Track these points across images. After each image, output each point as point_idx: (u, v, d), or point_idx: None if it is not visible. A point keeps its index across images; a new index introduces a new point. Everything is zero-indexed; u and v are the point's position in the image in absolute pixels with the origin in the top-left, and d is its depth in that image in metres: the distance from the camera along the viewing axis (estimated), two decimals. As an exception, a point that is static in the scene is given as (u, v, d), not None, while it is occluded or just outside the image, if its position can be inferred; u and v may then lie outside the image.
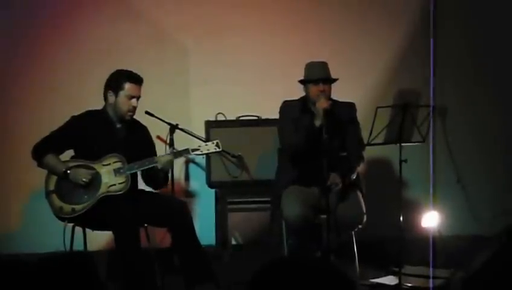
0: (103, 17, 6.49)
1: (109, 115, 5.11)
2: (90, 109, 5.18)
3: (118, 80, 5.06)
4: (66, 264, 1.60)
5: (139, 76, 5.09)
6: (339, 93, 5.37)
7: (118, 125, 5.14)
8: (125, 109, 5.05)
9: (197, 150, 5.19)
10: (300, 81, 5.34)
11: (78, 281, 1.56)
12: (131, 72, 5.10)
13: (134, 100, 5.06)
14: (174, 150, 5.15)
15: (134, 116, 5.17)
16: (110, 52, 6.34)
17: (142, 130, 5.27)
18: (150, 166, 5.02)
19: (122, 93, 5.04)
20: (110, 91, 5.07)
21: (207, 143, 5.28)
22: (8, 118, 6.36)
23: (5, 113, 6.36)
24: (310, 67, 5.32)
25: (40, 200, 5.14)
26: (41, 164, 5.05)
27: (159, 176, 5.13)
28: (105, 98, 5.11)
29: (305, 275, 1.59)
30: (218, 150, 5.23)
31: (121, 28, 6.46)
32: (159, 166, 5.02)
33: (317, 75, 5.25)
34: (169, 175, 5.37)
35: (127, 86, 5.04)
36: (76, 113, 5.14)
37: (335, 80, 5.30)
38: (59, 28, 6.41)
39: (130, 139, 5.14)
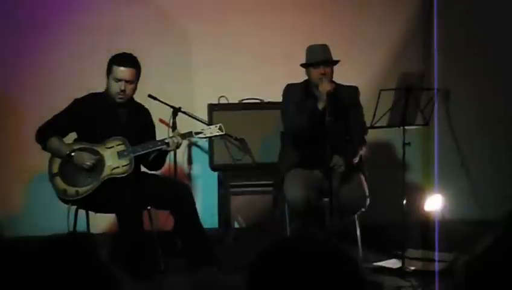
0: (108, 0, 6.46)
1: (110, 97, 5.10)
2: (93, 91, 5.17)
3: (109, 63, 5.07)
4: (65, 244, 1.58)
5: (127, 59, 5.06)
6: (342, 76, 5.36)
7: (120, 108, 5.13)
8: (113, 92, 5.05)
9: (200, 133, 5.19)
10: (302, 65, 5.33)
11: (78, 261, 1.54)
12: (122, 54, 5.08)
13: (121, 83, 5.03)
14: (178, 133, 5.15)
15: (137, 99, 5.17)
16: (113, 35, 6.31)
17: (144, 112, 5.27)
18: (154, 149, 5.03)
19: (110, 76, 5.05)
20: (106, 74, 5.08)
21: (210, 126, 5.28)
22: (10, 100, 6.34)
23: (8, 95, 6.34)
24: (311, 50, 5.31)
25: (43, 182, 5.15)
26: (45, 147, 5.05)
27: (156, 159, 5.13)
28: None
29: (307, 257, 1.57)
30: (221, 133, 5.24)
31: (124, 11, 6.43)
32: (169, 148, 5.02)
33: (318, 58, 5.24)
34: (172, 158, 5.37)
35: (114, 68, 5.04)
36: (78, 96, 5.13)
37: (336, 62, 5.29)
38: (61, 10, 6.38)
39: (132, 122, 5.14)
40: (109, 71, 5.05)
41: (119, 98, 5.07)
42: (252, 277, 1.58)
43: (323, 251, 1.59)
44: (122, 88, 5.02)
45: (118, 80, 5.02)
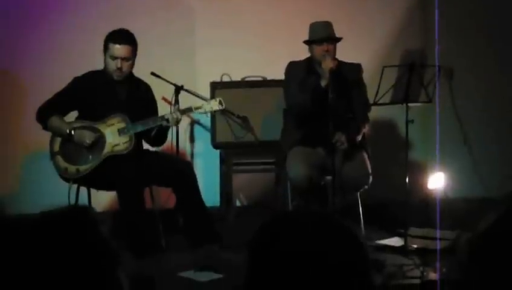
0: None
1: (110, 74, 5.08)
2: (94, 69, 5.15)
3: (105, 41, 5.04)
4: (65, 218, 1.56)
5: (123, 36, 5.02)
6: (345, 54, 5.33)
7: (120, 85, 5.11)
8: (110, 69, 5.03)
9: (200, 108, 5.17)
10: (305, 42, 5.29)
11: (78, 235, 1.53)
12: (117, 31, 5.05)
13: (117, 61, 4.99)
14: (178, 109, 5.13)
15: (140, 76, 5.15)
16: (115, 12, 6.27)
17: (145, 88, 5.25)
18: (154, 125, 5.01)
19: (107, 54, 5.03)
20: (103, 51, 5.05)
21: (210, 101, 5.26)
22: (11, 78, 6.31)
23: (8, 73, 6.31)
24: (314, 27, 5.27)
25: (44, 160, 5.14)
26: (45, 127, 5.05)
27: (157, 134, 5.11)
28: None
29: (309, 230, 1.55)
30: (221, 107, 5.21)
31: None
32: (169, 124, 5.00)
33: (321, 35, 5.21)
34: (174, 136, 5.36)
35: (110, 46, 5.01)
36: (79, 74, 5.11)
37: (339, 39, 5.25)
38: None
39: (133, 98, 5.13)
40: (105, 48, 5.02)
41: (117, 76, 5.04)
42: (253, 250, 1.57)
43: (326, 225, 1.57)
44: (119, 66, 4.99)
45: (114, 58, 4.99)
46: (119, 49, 4.99)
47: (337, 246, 1.53)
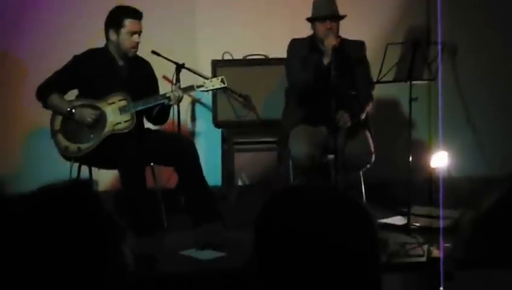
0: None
1: (111, 53, 5.05)
2: (94, 47, 5.11)
3: (118, 17, 4.99)
4: (66, 193, 1.54)
5: (137, 10, 5.02)
6: (348, 31, 5.29)
7: (121, 63, 5.09)
8: (128, 45, 5.00)
9: (202, 86, 5.14)
10: (308, 19, 5.25)
11: (81, 211, 1.50)
12: (129, 7, 5.03)
13: (136, 36, 4.99)
14: (179, 87, 5.09)
15: (140, 54, 5.11)
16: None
17: (145, 65, 5.22)
18: (155, 103, 4.99)
19: (123, 31, 4.98)
20: (111, 29, 5.00)
21: (212, 79, 5.23)
22: (11, 56, 6.28)
23: (9, 52, 6.28)
24: (317, 4, 5.23)
25: (45, 138, 5.12)
26: (46, 105, 5.02)
27: (160, 113, 5.08)
28: (107, 37, 5.05)
29: (316, 203, 1.52)
30: (223, 85, 5.19)
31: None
32: (171, 102, 4.97)
33: (324, 13, 5.17)
34: (176, 115, 5.32)
35: (128, 22, 4.97)
36: (79, 53, 5.07)
37: (342, 17, 5.21)
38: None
39: (133, 76, 5.09)
40: (120, 25, 4.97)
41: (133, 51, 5.04)
42: (259, 225, 1.54)
43: (333, 199, 1.54)
44: (138, 40, 5.01)
45: (133, 33, 4.97)
46: (137, 24, 4.99)
47: (345, 221, 1.51)
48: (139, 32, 5.01)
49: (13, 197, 1.52)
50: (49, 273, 1.41)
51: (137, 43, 5.01)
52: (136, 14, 4.99)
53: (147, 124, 5.28)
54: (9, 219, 1.46)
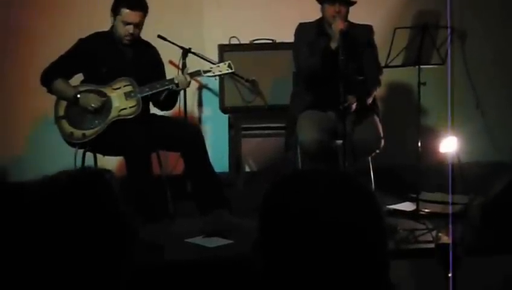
0: None
1: (116, 36, 4.99)
2: (100, 30, 5.06)
3: (117, 3, 4.94)
4: (78, 182, 1.52)
5: (138, 2, 4.91)
6: (357, 15, 5.23)
7: (127, 47, 5.02)
8: (121, 34, 4.94)
9: (209, 71, 5.10)
10: (318, 1, 5.19)
11: (93, 202, 1.49)
12: None
13: (130, 27, 4.91)
14: (187, 72, 5.05)
15: (146, 38, 5.06)
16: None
17: (152, 50, 5.17)
18: (161, 89, 4.94)
19: (118, 18, 4.93)
20: (111, 12, 4.95)
21: (219, 64, 5.18)
22: (14, 43, 6.24)
23: (12, 38, 6.24)
24: (328, -14, 5.16)
25: (49, 125, 5.08)
26: (50, 90, 4.98)
27: (168, 98, 5.04)
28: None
29: (323, 189, 1.49)
30: (230, 71, 5.14)
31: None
32: (180, 86, 4.92)
33: (335, -5, 5.10)
34: (182, 100, 5.29)
35: (124, 11, 4.90)
36: (84, 36, 5.02)
37: (353, 3, 5.14)
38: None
39: (139, 61, 5.05)
40: (117, 12, 4.92)
41: (127, 40, 4.96)
42: (265, 210, 1.51)
43: (340, 184, 1.51)
44: (131, 31, 4.92)
45: (127, 24, 4.90)
46: (132, 15, 4.90)
47: (352, 206, 1.49)
48: (136, 24, 4.91)
49: (30, 182, 1.52)
50: (60, 261, 1.40)
51: (131, 34, 4.93)
52: (135, 5, 4.89)
53: (153, 110, 5.23)
54: (27, 205, 1.45)
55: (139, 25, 4.94)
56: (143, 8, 4.93)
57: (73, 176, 1.55)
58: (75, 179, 1.54)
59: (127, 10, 4.90)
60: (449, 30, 5.23)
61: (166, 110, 5.25)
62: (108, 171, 1.61)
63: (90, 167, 1.88)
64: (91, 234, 1.45)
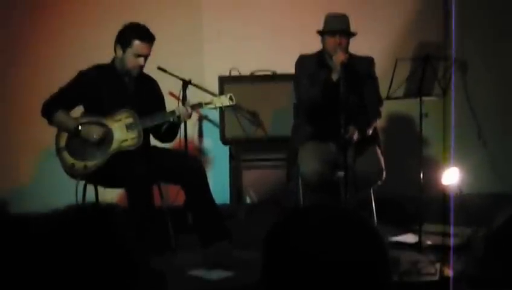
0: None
1: (117, 68, 4.99)
2: (102, 62, 5.06)
3: (128, 35, 4.92)
4: (86, 218, 1.52)
5: (150, 34, 4.92)
6: (358, 47, 5.25)
7: (127, 79, 5.03)
8: (131, 66, 4.93)
9: (210, 103, 5.09)
10: (319, 32, 5.20)
11: (101, 239, 1.48)
12: (143, 28, 4.92)
13: (141, 59, 4.91)
14: (188, 104, 5.05)
15: (146, 71, 5.06)
16: (123, 5, 6.22)
17: (152, 83, 5.17)
18: (162, 121, 4.94)
19: (129, 51, 4.91)
20: (119, 45, 4.94)
21: (220, 96, 5.19)
22: (17, 71, 6.26)
23: (15, 66, 6.26)
24: (329, 18, 5.19)
25: (51, 157, 5.07)
26: (51, 122, 4.96)
27: (168, 130, 5.03)
28: (115, 51, 4.99)
29: (327, 225, 1.48)
30: (232, 103, 5.14)
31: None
32: (181, 118, 4.92)
33: (335, 27, 5.13)
34: (183, 132, 5.27)
35: (136, 43, 4.89)
36: (84, 68, 5.02)
37: (353, 34, 5.16)
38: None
39: (140, 93, 5.04)
40: (127, 45, 4.90)
41: (136, 72, 4.97)
42: (268, 245, 1.50)
43: (344, 220, 1.51)
44: (142, 63, 4.93)
45: (139, 56, 4.90)
46: (144, 47, 4.90)
47: (356, 242, 1.48)
48: (146, 56, 4.93)
49: (35, 215, 1.52)
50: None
51: (141, 66, 4.94)
52: (147, 37, 4.89)
53: (154, 142, 5.22)
54: (35, 238, 1.45)
55: (147, 57, 4.94)
56: (153, 39, 4.93)
57: (81, 211, 1.54)
58: (83, 214, 1.53)
59: (139, 42, 4.89)
60: (453, 61, 5.25)
61: (167, 142, 5.23)
62: (115, 206, 1.60)
63: (97, 202, 1.88)
64: (98, 269, 1.45)
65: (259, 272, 1.52)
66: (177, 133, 5.15)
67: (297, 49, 5.47)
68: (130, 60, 4.92)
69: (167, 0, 6.39)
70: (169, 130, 5.05)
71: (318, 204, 2.06)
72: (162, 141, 5.20)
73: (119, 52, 4.94)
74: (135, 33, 4.91)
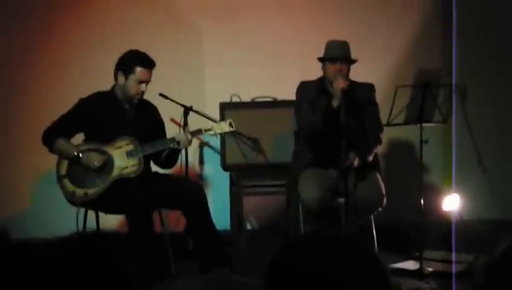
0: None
1: (118, 96, 5.02)
2: (102, 89, 5.08)
3: (130, 62, 4.95)
4: (84, 246, 1.52)
5: (151, 60, 4.96)
6: (358, 73, 5.26)
7: (127, 106, 5.05)
8: (133, 92, 4.96)
9: (210, 130, 5.10)
10: (319, 59, 5.22)
11: (97, 265, 1.48)
12: (144, 55, 4.96)
13: (143, 85, 4.95)
14: (188, 131, 5.05)
15: (146, 97, 5.08)
16: (124, 32, 6.25)
17: (152, 110, 5.19)
18: (163, 147, 4.94)
19: (132, 77, 4.93)
20: (120, 72, 4.97)
21: (220, 123, 5.19)
22: (18, 98, 6.28)
23: (16, 94, 6.28)
24: (330, 45, 5.20)
25: (51, 183, 5.06)
26: (52, 149, 4.97)
27: (169, 156, 5.03)
28: (116, 78, 5.01)
29: (329, 254, 1.48)
30: (231, 129, 5.15)
31: (136, 8, 6.36)
32: (181, 145, 4.92)
33: (336, 54, 5.14)
34: (184, 158, 5.28)
35: (138, 70, 4.92)
36: (85, 95, 5.04)
37: (354, 61, 5.17)
38: (74, 7, 6.31)
39: (140, 120, 5.05)
40: (130, 71, 4.93)
41: (137, 98, 4.99)
42: (271, 273, 1.50)
43: (347, 249, 1.51)
44: (144, 90, 4.96)
45: (141, 82, 4.93)
46: (147, 73, 4.95)
47: (358, 270, 1.48)
48: (148, 82, 4.96)
49: (37, 241, 1.52)
50: None
51: (143, 92, 4.97)
52: (149, 64, 4.94)
53: (154, 168, 5.22)
54: (38, 265, 1.45)
55: (148, 83, 4.97)
56: (154, 65, 4.98)
57: (84, 238, 1.55)
58: (84, 242, 1.54)
59: (142, 69, 4.92)
60: (453, 88, 5.26)
61: (168, 168, 5.24)
62: (117, 233, 1.61)
63: (98, 229, 1.88)
64: None
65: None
66: (178, 159, 5.16)
67: (297, 75, 5.49)
68: (132, 87, 4.94)
69: (168, 27, 6.42)
70: (170, 156, 5.05)
71: (319, 232, 2.06)
72: (163, 167, 5.21)
73: (121, 79, 4.96)
74: (137, 59, 4.94)
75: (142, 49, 5.02)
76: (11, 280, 1.49)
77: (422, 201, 5.05)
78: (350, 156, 4.95)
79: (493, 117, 6.56)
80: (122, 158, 4.93)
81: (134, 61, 4.94)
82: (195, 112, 5.44)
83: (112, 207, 4.92)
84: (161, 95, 5.38)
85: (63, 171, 4.95)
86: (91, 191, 4.89)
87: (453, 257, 5.13)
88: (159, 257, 4.91)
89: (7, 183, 6.19)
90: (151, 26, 6.37)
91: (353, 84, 5.14)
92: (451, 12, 5.84)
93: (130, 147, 4.94)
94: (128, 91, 4.96)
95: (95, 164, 4.87)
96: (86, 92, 5.08)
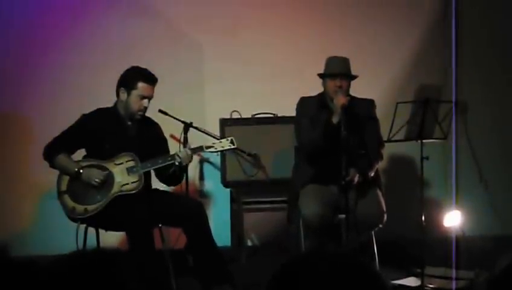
0: (117, 13, 6.40)
1: (120, 112, 5.02)
2: (103, 106, 5.08)
3: (132, 78, 4.96)
4: (85, 263, 1.52)
5: (153, 76, 4.97)
6: (358, 89, 5.26)
7: (129, 123, 5.05)
8: (135, 108, 4.96)
9: (211, 147, 5.09)
10: (320, 75, 5.22)
11: (97, 282, 1.48)
12: (145, 71, 4.97)
13: (145, 101, 4.95)
14: (189, 148, 5.05)
15: (147, 114, 5.08)
16: (124, 48, 6.26)
17: (154, 126, 5.18)
18: (163, 164, 4.93)
19: (134, 93, 4.94)
20: (122, 88, 4.97)
21: (221, 140, 5.18)
22: (19, 117, 6.27)
23: (17, 112, 6.27)
24: (330, 61, 5.20)
25: (52, 200, 5.05)
26: (53, 165, 4.96)
27: (174, 173, 5.03)
28: (117, 95, 5.01)
29: (330, 272, 1.48)
30: (232, 147, 5.14)
31: (136, 24, 6.38)
32: (182, 162, 4.91)
33: (336, 70, 5.14)
34: (184, 173, 5.27)
35: (140, 85, 4.93)
36: (87, 111, 5.04)
37: (354, 77, 5.18)
38: (74, 24, 6.32)
39: (142, 137, 5.04)
40: (132, 87, 4.94)
41: (140, 114, 4.99)
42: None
43: (348, 267, 1.50)
44: (147, 105, 4.96)
45: (143, 98, 4.93)
46: (149, 89, 4.96)
47: (360, 289, 1.47)
48: (150, 98, 4.97)
49: (39, 259, 1.52)
50: None
51: (146, 107, 4.98)
52: (151, 79, 4.95)
53: (155, 185, 5.21)
54: (41, 283, 1.45)
55: (150, 99, 4.97)
56: (156, 81, 4.99)
57: (85, 256, 1.54)
58: (85, 260, 1.53)
59: (144, 84, 4.94)
60: (454, 104, 5.26)
61: (173, 185, 5.24)
62: (118, 251, 1.60)
63: (98, 246, 1.88)
64: None
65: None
66: (183, 176, 5.15)
67: (298, 91, 5.48)
68: (135, 102, 4.95)
69: (167, 44, 6.42)
70: (176, 173, 5.04)
71: (320, 249, 2.05)
72: (168, 184, 5.21)
73: (123, 95, 4.97)
74: (139, 75, 4.95)
75: (140, 65, 5.03)
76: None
77: (423, 217, 5.06)
78: (350, 173, 4.95)
79: (494, 132, 6.56)
80: (123, 174, 4.93)
81: (136, 76, 4.95)
82: (195, 128, 5.43)
83: (112, 223, 4.91)
84: (161, 111, 5.38)
85: (64, 187, 4.95)
86: (91, 208, 4.88)
87: (454, 273, 5.11)
88: (160, 274, 4.89)
89: (8, 200, 6.18)
90: (151, 43, 6.38)
91: (353, 100, 5.14)
92: (452, 30, 5.85)
93: (131, 164, 4.94)
94: (130, 107, 4.97)
95: (96, 180, 4.87)
96: (86, 110, 5.08)
